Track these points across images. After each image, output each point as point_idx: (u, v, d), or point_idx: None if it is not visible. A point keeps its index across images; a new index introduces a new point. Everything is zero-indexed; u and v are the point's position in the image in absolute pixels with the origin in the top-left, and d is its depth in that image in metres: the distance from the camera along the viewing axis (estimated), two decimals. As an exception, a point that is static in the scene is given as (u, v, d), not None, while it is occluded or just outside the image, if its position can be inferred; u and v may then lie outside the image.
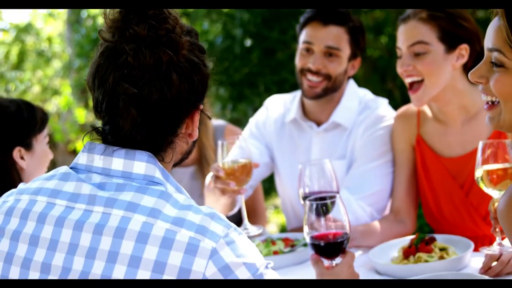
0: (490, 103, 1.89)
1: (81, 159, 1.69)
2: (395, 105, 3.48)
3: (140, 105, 1.62)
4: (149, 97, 1.62)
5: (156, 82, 1.62)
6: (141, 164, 1.63)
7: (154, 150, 1.68)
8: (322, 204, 2.30)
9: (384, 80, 7.20)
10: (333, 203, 2.30)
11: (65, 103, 10.72)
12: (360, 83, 6.51)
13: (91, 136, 1.70)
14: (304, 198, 2.68)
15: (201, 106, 1.75)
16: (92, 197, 1.60)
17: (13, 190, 1.74)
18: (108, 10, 1.66)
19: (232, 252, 1.52)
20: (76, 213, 1.59)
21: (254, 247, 1.59)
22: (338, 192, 2.66)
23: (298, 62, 3.31)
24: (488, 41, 1.86)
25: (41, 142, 2.75)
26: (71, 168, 1.70)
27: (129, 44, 1.62)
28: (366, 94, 3.39)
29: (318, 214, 2.30)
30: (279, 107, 3.51)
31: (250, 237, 3.35)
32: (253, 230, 2.80)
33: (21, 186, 1.74)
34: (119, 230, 1.52)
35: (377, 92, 6.56)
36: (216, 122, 3.80)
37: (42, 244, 1.58)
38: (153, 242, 1.50)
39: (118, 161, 1.64)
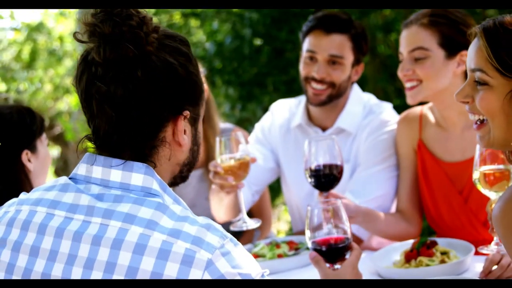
0: (479, 122, 1.92)
1: (80, 169, 1.71)
2: (404, 104, 3.47)
3: (111, 103, 1.63)
4: (116, 93, 1.62)
5: (121, 77, 1.62)
6: (139, 176, 1.65)
7: (137, 156, 1.67)
8: (324, 209, 2.32)
9: (394, 79, 7.19)
10: (335, 208, 2.32)
11: (76, 102, 10.75)
12: (370, 82, 6.51)
13: (84, 144, 1.72)
14: (311, 176, 2.68)
15: (186, 113, 1.72)
16: (91, 208, 1.62)
17: (14, 199, 1.77)
18: (85, 15, 1.67)
19: (227, 263, 1.53)
20: (75, 224, 1.61)
21: (250, 257, 1.60)
22: (342, 166, 2.67)
23: (302, 70, 3.32)
24: (470, 62, 1.88)
25: (43, 143, 2.85)
26: (70, 178, 1.72)
27: (95, 42, 1.64)
28: (370, 98, 3.40)
29: (320, 219, 2.32)
30: (284, 112, 3.53)
31: (250, 229, 3.34)
32: (251, 223, 2.82)
33: (22, 196, 1.76)
34: (116, 241, 1.54)
35: (386, 90, 6.56)
36: (224, 125, 3.83)
37: (42, 255, 1.61)
38: (150, 253, 1.52)
39: (116, 173, 1.66)
